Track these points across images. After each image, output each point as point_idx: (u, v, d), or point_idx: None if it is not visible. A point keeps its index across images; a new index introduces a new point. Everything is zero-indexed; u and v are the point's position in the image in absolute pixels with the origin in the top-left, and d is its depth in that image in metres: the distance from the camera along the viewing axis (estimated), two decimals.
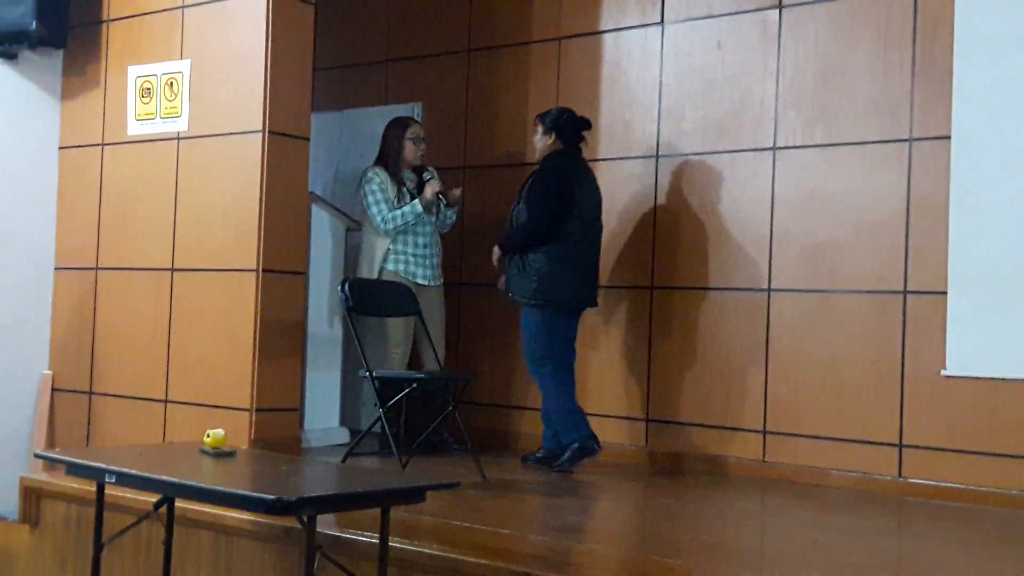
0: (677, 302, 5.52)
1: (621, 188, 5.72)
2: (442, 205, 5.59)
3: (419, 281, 5.58)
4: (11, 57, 5.62)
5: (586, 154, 5.48)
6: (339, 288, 5.00)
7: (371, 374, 4.79)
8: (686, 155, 5.54)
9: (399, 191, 5.61)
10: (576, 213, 5.11)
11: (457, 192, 5.63)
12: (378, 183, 5.56)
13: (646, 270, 5.62)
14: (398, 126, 5.71)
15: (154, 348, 5.27)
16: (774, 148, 5.27)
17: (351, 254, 5.85)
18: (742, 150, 5.36)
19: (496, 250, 5.26)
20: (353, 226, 5.87)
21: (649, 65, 5.68)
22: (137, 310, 5.39)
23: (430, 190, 5.58)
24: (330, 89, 6.67)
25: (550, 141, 5.25)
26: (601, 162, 5.78)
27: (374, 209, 5.54)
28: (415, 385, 4.81)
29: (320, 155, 6.28)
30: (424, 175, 5.69)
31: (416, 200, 5.56)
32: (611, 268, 5.72)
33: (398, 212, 5.53)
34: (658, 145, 5.62)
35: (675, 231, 5.54)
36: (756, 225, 5.29)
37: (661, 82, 5.64)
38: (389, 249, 5.56)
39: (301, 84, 5.12)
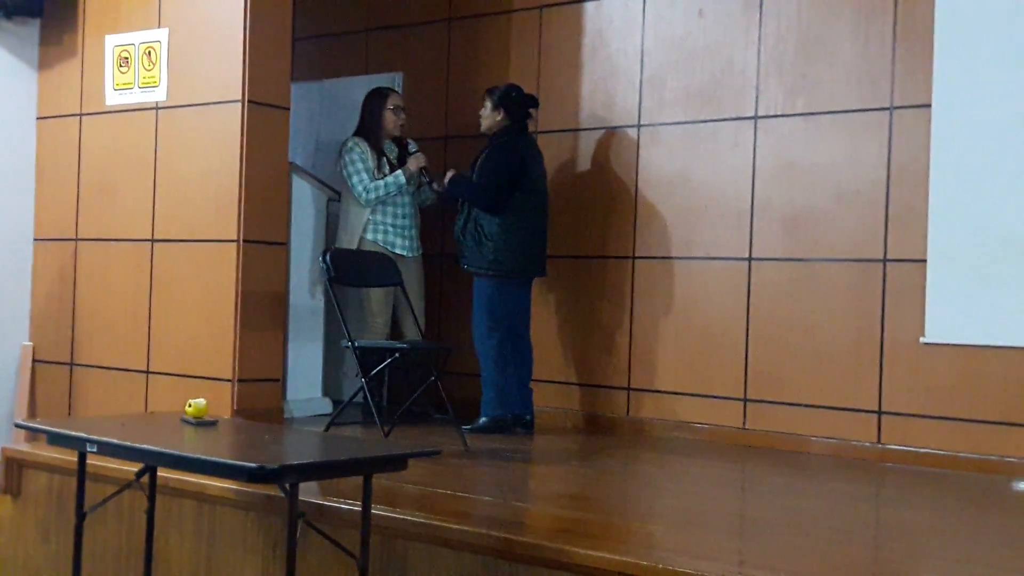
0: (658, 271, 5.54)
1: (602, 158, 5.73)
2: (424, 181, 5.59)
3: (398, 251, 5.58)
4: None
5: (567, 123, 5.56)
6: (320, 258, 5.00)
7: (353, 344, 4.79)
8: (668, 124, 5.55)
9: (379, 161, 5.60)
10: (527, 187, 5.27)
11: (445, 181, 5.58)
12: (359, 153, 5.55)
13: (628, 240, 5.65)
14: (378, 96, 5.69)
15: (135, 319, 5.27)
16: (755, 117, 5.28)
17: (332, 224, 5.85)
18: (723, 119, 5.37)
19: (449, 174, 5.40)
20: (333, 196, 5.86)
21: (631, 34, 5.67)
22: (118, 281, 5.38)
23: (415, 163, 5.58)
24: (310, 58, 6.63)
25: (499, 117, 5.38)
26: (582, 131, 5.79)
27: (355, 179, 5.53)
28: (397, 355, 4.81)
29: (300, 125, 6.26)
30: (409, 147, 5.69)
31: (400, 171, 5.55)
32: (593, 238, 5.74)
33: (380, 182, 5.52)
34: (640, 114, 5.63)
35: (657, 201, 5.56)
36: (737, 194, 5.31)
37: (643, 51, 5.63)
38: (369, 219, 5.56)
39: (280, 53, 5.10)
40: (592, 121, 5.77)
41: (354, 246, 5.50)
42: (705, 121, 5.43)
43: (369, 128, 5.64)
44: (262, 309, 4.98)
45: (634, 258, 5.62)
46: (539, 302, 5.85)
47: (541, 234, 5.40)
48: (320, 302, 5.80)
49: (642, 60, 5.63)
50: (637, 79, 5.64)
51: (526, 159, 5.31)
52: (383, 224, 5.57)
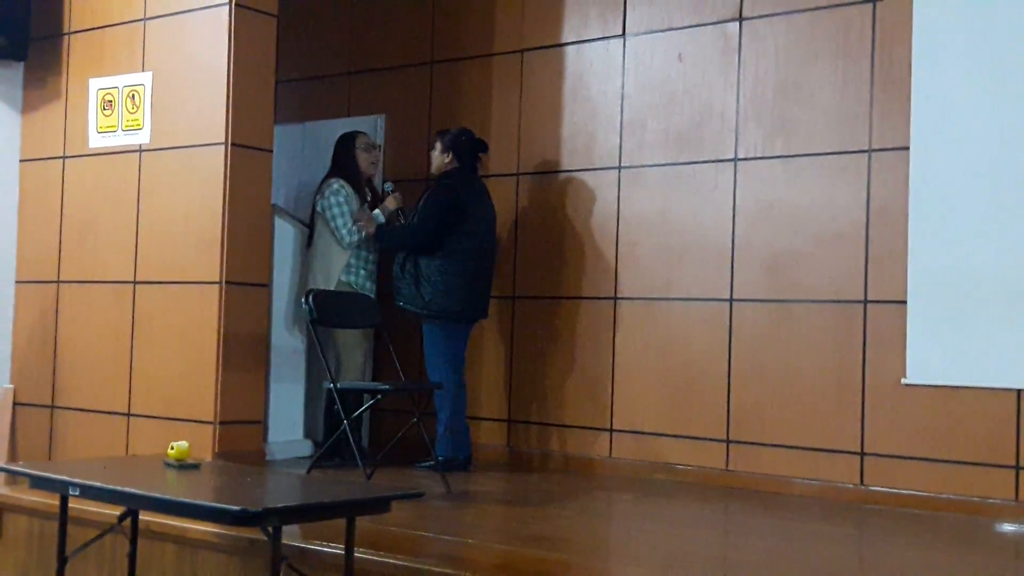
0: (640, 312, 5.59)
1: (584, 199, 5.81)
2: (401, 219, 5.66)
3: (367, 293, 5.63)
4: None
5: (548, 165, 5.66)
6: (303, 300, 5.03)
7: (335, 386, 4.81)
8: (648, 166, 5.62)
9: (361, 204, 5.66)
10: (468, 230, 5.39)
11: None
12: (345, 195, 5.60)
13: (609, 281, 5.70)
14: (347, 139, 5.78)
15: (117, 361, 5.28)
16: (735, 159, 5.37)
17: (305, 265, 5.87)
18: (703, 161, 5.45)
19: (371, 225, 5.51)
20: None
21: (611, 77, 5.76)
22: (99, 323, 5.39)
23: (393, 203, 5.66)
24: (292, 101, 6.69)
25: (447, 159, 5.53)
26: (563, 173, 5.86)
27: (340, 221, 5.57)
28: (379, 396, 4.84)
29: (282, 167, 6.30)
30: (386, 186, 5.77)
31: (378, 211, 5.62)
32: (574, 279, 5.79)
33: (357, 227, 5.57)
34: (620, 156, 5.70)
35: (638, 242, 5.62)
36: (718, 236, 5.38)
37: (623, 94, 5.72)
38: (349, 262, 5.60)
39: (263, 96, 5.17)
40: (573, 163, 5.85)
41: (331, 286, 5.53)
42: (685, 163, 5.50)
43: (345, 171, 5.70)
44: (244, 351, 5.01)
45: (616, 299, 5.67)
46: (518, 343, 5.90)
47: (482, 278, 5.49)
48: (301, 343, 5.82)
49: (622, 103, 5.72)
50: (618, 121, 5.72)
51: (467, 202, 5.42)
52: (355, 266, 5.62)
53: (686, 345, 5.44)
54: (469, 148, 5.55)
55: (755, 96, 5.34)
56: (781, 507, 4.83)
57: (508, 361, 5.97)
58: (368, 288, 5.66)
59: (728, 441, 5.30)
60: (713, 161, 5.42)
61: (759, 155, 5.31)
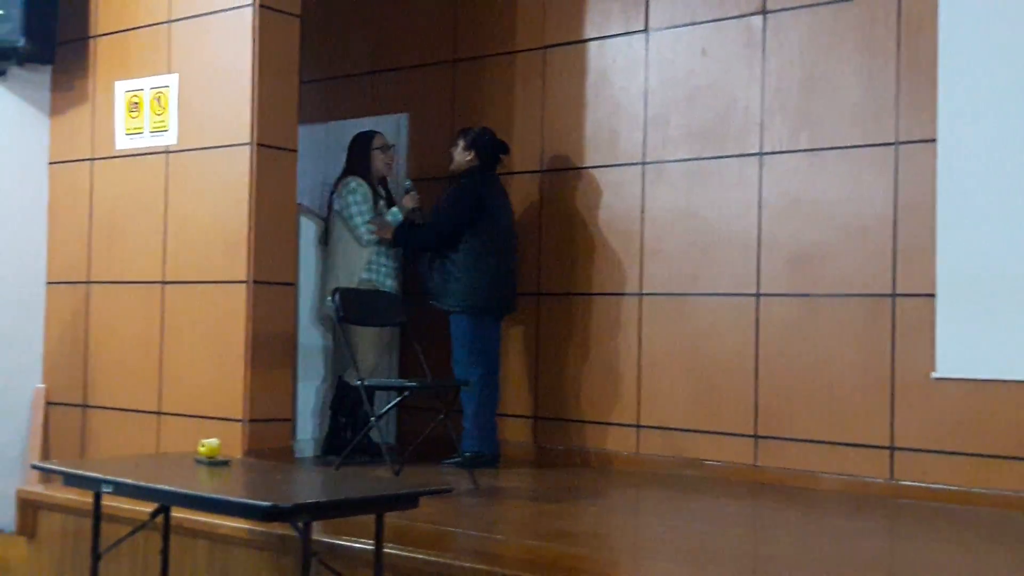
0: (666, 308, 5.59)
1: (607, 196, 5.81)
2: (416, 219, 5.69)
3: (388, 291, 5.66)
4: (0, 74, 5.69)
5: (571, 161, 5.74)
6: (330, 298, 5.06)
7: (362, 383, 4.84)
8: (672, 162, 5.61)
9: (376, 202, 5.69)
10: (489, 226, 5.48)
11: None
12: (362, 193, 5.63)
13: (634, 277, 5.70)
14: (363, 139, 5.80)
15: (146, 360, 5.33)
16: (760, 154, 5.35)
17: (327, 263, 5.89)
18: (728, 156, 5.44)
19: (386, 231, 5.55)
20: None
21: (634, 73, 5.76)
22: (129, 323, 5.45)
23: (410, 201, 5.70)
24: (316, 101, 6.72)
25: (469, 158, 5.60)
26: (587, 170, 5.87)
27: (358, 219, 5.60)
28: (406, 393, 4.87)
29: (306, 166, 6.33)
30: (405, 184, 5.79)
31: (396, 209, 5.65)
32: (599, 275, 5.80)
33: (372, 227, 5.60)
34: (644, 152, 5.70)
35: (663, 237, 5.62)
36: (743, 231, 5.37)
37: (646, 90, 5.72)
38: (371, 260, 5.62)
39: (288, 97, 5.20)
40: (596, 159, 5.85)
41: (353, 284, 5.56)
42: (709, 158, 5.50)
43: (359, 170, 5.72)
44: (272, 349, 5.05)
45: (641, 295, 5.67)
46: (543, 340, 5.92)
47: (508, 272, 5.59)
48: (326, 341, 5.84)
49: (646, 98, 5.72)
50: (641, 117, 5.72)
51: (487, 200, 5.48)
52: (376, 263, 5.65)
53: (712, 340, 5.43)
54: (491, 147, 5.62)
55: (779, 90, 5.32)
56: (810, 502, 4.81)
57: (533, 358, 5.98)
58: (390, 286, 5.69)
59: (756, 436, 5.29)
60: (738, 156, 5.41)
61: (784, 149, 5.29)
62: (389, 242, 5.61)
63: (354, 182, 5.66)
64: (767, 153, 5.33)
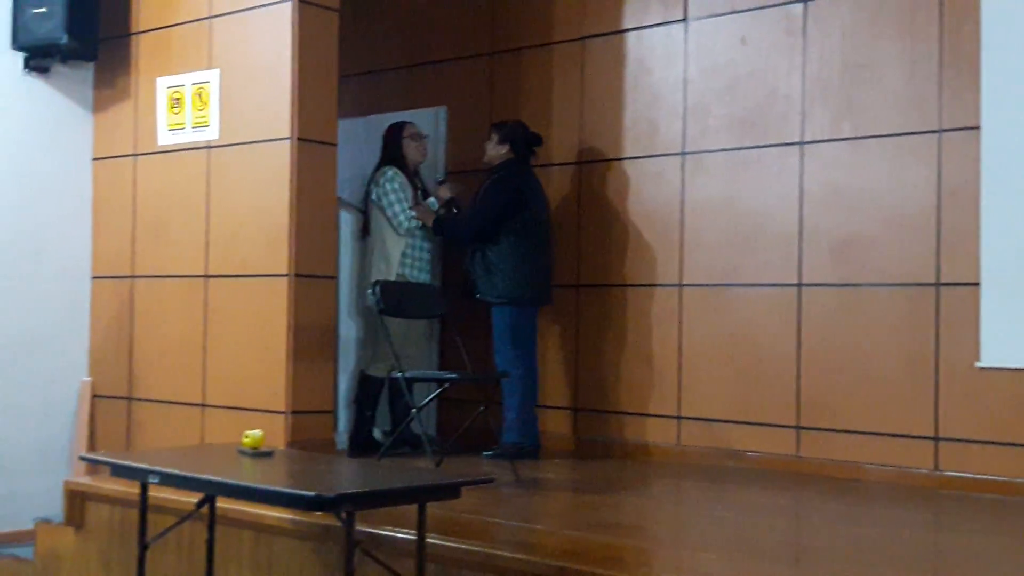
0: (707, 299, 5.58)
1: (647, 187, 5.80)
2: (451, 211, 5.71)
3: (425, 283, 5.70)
4: (44, 71, 5.79)
5: (610, 153, 5.78)
6: (371, 290, 5.08)
7: (403, 375, 4.87)
8: (712, 152, 5.60)
9: (413, 192, 5.72)
10: (528, 217, 5.50)
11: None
12: (399, 182, 5.67)
13: (675, 267, 5.69)
14: (395, 128, 5.84)
15: (190, 353, 5.40)
16: (801, 143, 5.32)
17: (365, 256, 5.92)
18: (769, 145, 5.41)
19: (428, 216, 5.61)
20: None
21: (673, 63, 5.74)
22: (173, 317, 5.52)
23: (446, 192, 5.72)
24: (355, 95, 6.75)
25: (503, 151, 5.63)
26: (626, 161, 5.86)
27: (397, 207, 5.63)
28: (447, 385, 4.89)
29: (345, 160, 6.38)
30: (436, 176, 5.85)
31: (432, 199, 5.68)
32: (639, 267, 5.79)
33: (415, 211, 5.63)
34: (684, 142, 5.68)
35: (703, 228, 5.60)
36: (785, 221, 5.34)
37: (685, 79, 5.70)
38: (405, 253, 5.65)
39: (327, 91, 5.24)
40: (635, 150, 5.84)
41: (392, 277, 5.58)
42: (750, 148, 5.48)
43: (394, 160, 5.76)
44: (313, 341, 5.09)
45: (681, 286, 5.66)
46: (583, 331, 5.92)
47: (545, 264, 5.64)
48: (359, 334, 5.87)
49: (685, 88, 5.70)
50: (680, 107, 5.70)
51: (524, 192, 5.53)
52: (410, 257, 5.67)
53: (754, 331, 5.41)
54: (524, 140, 5.66)
55: (820, 78, 5.28)
56: (853, 493, 4.79)
57: (573, 349, 5.99)
58: (425, 280, 5.71)
59: (798, 427, 5.26)
60: (779, 145, 5.39)
61: (826, 138, 5.26)
62: (431, 230, 5.63)
63: (391, 171, 5.70)
64: (808, 142, 5.30)
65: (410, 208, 5.62)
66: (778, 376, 5.32)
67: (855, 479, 5.03)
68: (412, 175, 5.82)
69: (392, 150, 5.80)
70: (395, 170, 5.70)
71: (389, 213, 5.65)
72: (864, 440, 5.06)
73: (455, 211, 5.75)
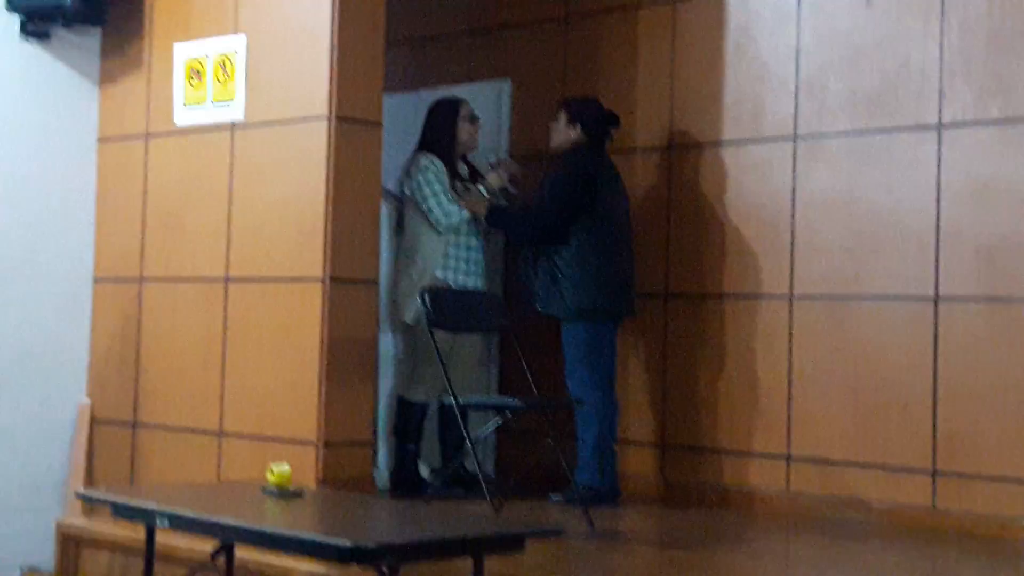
0: (822, 314, 5.53)
1: (751, 178, 5.79)
2: (505, 202, 5.69)
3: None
4: (43, 36, 5.83)
5: (707, 136, 5.77)
6: (419, 297, 5.06)
7: (457, 402, 4.84)
8: (831, 136, 5.57)
9: (452, 182, 5.68)
10: (603, 213, 5.49)
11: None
12: (435, 172, 5.67)
13: (783, 276, 5.64)
14: (448, 106, 5.85)
15: (207, 371, 5.41)
16: (939, 126, 5.28)
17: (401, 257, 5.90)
18: (900, 129, 5.38)
19: (480, 206, 5.58)
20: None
21: (783, 29, 5.72)
22: (187, 327, 5.54)
23: (497, 180, 5.68)
24: (404, 65, 6.80)
25: (573, 134, 5.61)
26: (726, 145, 5.85)
27: (432, 201, 5.62)
28: (509, 414, 4.85)
29: (392, 143, 6.37)
30: (488, 159, 5.84)
31: (482, 188, 5.64)
32: (739, 274, 5.77)
33: (456, 206, 5.60)
34: (796, 125, 5.66)
35: (819, 228, 5.57)
36: (919, 220, 5.30)
37: (798, 49, 5.68)
38: (447, 253, 5.60)
39: (373, 61, 5.22)
40: (738, 133, 5.83)
41: (425, 281, 5.52)
42: (877, 131, 5.45)
43: (438, 144, 5.76)
44: (351, 359, 5.07)
45: (792, 297, 5.61)
46: (671, 351, 5.93)
47: (626, 269, 5.59)
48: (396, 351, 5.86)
49: (798, 60, 5.68)
50: (792, 82, 5.69)
51: (599, 183, 5.48)
52: (454, 259, 5.63)
53: (880, 354, 5.35)
54: (599, 120, 5.63)
55: (963, 48, 5.24)
56: (1002, 554, 4.71)
57: (660, 373, 5.97)
58: (473, 285, 5.68)
59: (934, 473, 5.18)
60: (911, 128, 5.35)
61: (969, 120, 5.22)
62: (483, 222, 5.59)
63: (425, 159, 5.72)
64: (948, 125, 5.27)
65: (454, 199, 5.56)
66: (910, 409, 5.24)
67: (1003, 538, 4.93)
68: (459, 161, 5.79)
69: (437, 132, 5.80)
70: (429, 157, 5.71)
71: (425, 208, 5.62)
72: (1017, 490, 4.96)
73: (511, 198, 5.70)
